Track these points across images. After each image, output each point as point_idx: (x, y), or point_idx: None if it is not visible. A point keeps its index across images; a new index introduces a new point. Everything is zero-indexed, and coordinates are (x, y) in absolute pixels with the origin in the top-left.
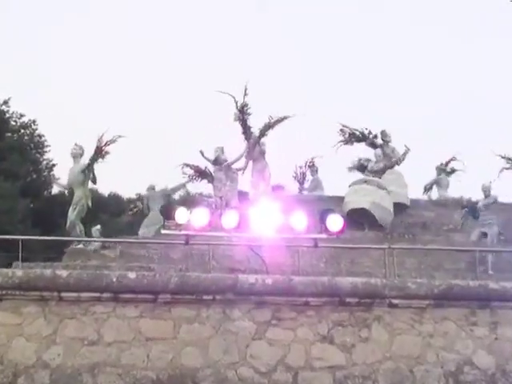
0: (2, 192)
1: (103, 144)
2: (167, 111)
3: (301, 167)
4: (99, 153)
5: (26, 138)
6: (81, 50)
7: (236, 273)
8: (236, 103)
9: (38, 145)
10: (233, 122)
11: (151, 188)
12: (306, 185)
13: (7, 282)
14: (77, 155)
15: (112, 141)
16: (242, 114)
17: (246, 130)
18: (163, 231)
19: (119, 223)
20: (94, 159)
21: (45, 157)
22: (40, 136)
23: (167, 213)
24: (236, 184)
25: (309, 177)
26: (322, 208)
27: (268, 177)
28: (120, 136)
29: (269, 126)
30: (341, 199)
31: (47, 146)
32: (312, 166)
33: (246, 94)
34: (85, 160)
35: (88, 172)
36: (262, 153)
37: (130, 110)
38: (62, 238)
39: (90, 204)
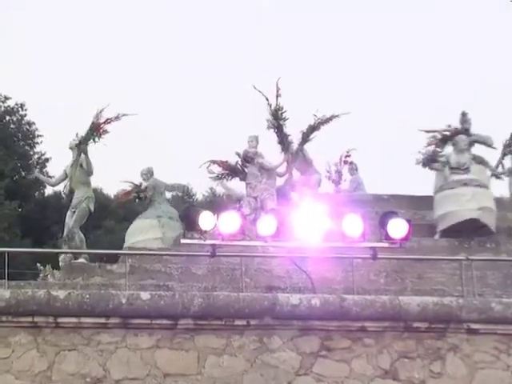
0: None
1: (102, 121)
2: (189, 104)
3: (336, 164)
4: (95, 130)
5: (12, 126)
6: (81, 18)
7: (275, 292)
8: (270, 107)
9: (28, 135)
10: (266, 130)
11: (150, 173)
12: (344, 185)
13: None
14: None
15: (115, 118)
16: (277, 120)
17: (283, 140)
18: (183, 240)
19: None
20: (87, 138)
21: (36, 150)
22: (30, 124)
23: (188, 218)
24: (274, 181)
25: (346, 176)
26: (382, 210)
27: (315, 184)
28: (125, 114)
29: (313, 128)
30: (404, 199)
31: (39, 136)
32: (350, 164)
33: (278, 96)
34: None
35: (78, 156)
36: (309, 162)
37: (142, 98)
38: (58, 250)
39: (92, 208)
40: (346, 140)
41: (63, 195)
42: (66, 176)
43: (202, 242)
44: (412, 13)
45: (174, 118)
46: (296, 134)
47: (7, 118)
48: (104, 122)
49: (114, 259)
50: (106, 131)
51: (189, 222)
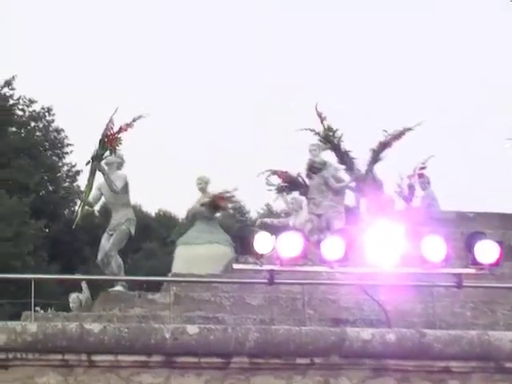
0: (5, 212)
1: (113, 131)
2: (234, 113)
3: (409, 177)
4: (107, 143)
5: (37, 134)
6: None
7: (343, 325)
8: (318, 134)
9: (56, 143)
10: (323, 151)
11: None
12: (416, 202)
13: (15, 340)
14: (113, 163)
15: (127, 126)
16: (331, 141)
17: (344, 158)
18: (236, 266)
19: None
20: (99, 154)
21: (65, 161)
22: (58, 131)
23: (241, 239)
24: (342, 198)
25: (418, 191)
26: (468, 230)
27: (388, 202)
28: (141, 116)
29: (385, 145)
30: (493, 218)
31: (68, 145)
32: (422, 177)
33: (323, 120)
34: (118, 167)
35: (92, 176)
36: (379, 184)
37: (180, 104)
38: (92, 276)
39: (133, 231)
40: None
41: (96, 213)
42: (101, 194)
43: (257, 267)
44: (412, 13)
45: (205, 127)
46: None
47: (32, 124)
48: (116, 132)
49: (155, 287)
50: (119, 140)
51: (242, 245)
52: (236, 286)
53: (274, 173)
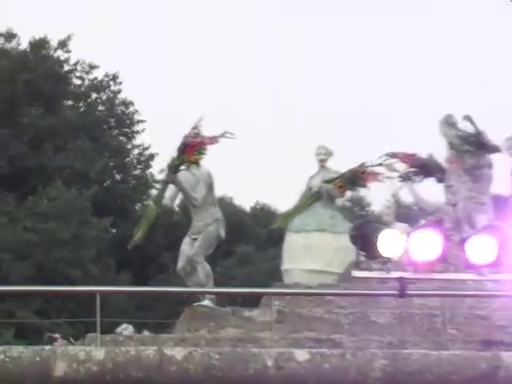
0: (62, 208)
1: (196, 141)
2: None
3: None
4: (186, 154)
5: (100, 108)
6: None
7: (496, 349)
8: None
9: (123, 120)
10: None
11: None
12: None
13: (77, 370)
14: None
15: (215, 139)
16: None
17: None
18: (356, 273)
19: (275, 256)
20: (175, 165)
21: (135, 142)
22: (126, 104)
23: (363, 239)
24: (486, 185)
25: None
26: None
27: None
28: (230, 134)
29: None
30: None
31: (139, 122)
32: None
33: None
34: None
35: (164, 186)
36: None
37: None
38: (172, 288)
39: (223, 233)
40: None
41: (176, 210)
42: (178, 191)
43: (383, 274)
44: (411, 13)
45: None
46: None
47: (93, 95)
48: (198, 143)
49: (253, 301)
50: (202, 151)
51: (363, 246)
52: (356, 299)
53: (395, 156)
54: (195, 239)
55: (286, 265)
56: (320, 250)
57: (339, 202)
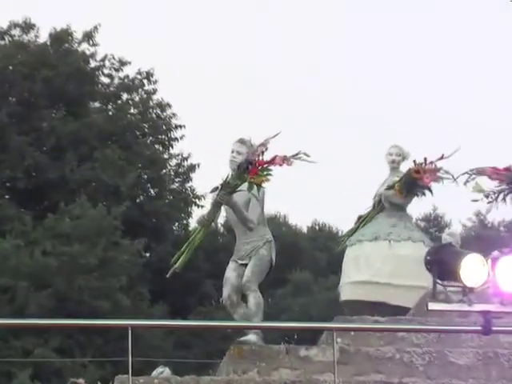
0: (88, 228)
1: (263, 160)
2: None
3: None
4: (250, 174)
5: (132, 111)
6: None
7: None
8: None
9: (160, 126)
10: None
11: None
12: None
13: None
14: None
15: (288, 161)
16: None
17: None
18: (431, 305)
19: (336, 284)
20: (233, 186)
21: (173, 151)
22: (163, 106)
23: (439, 264)
24: None
25: None
26: None
27: None
28: (306, 155)
29: None
30: None
31: (178, 127)
32: None
33: None
34: None
35: (216, 210)
36: None
37: None
38: (213, 322)
39: (274, 257)
40: None
41: (220, 231)
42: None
43: (465, 307)
44: (410, 13)
45: None
46: None
47: (124, 96)
48: (267, 162)
49: (311, 338)
50: (267, 173)
51: (442, 273)
52: (433, 336)
53: (481, 172)
54: (242, 265)
55: (340, 284)
56: (368, 259)
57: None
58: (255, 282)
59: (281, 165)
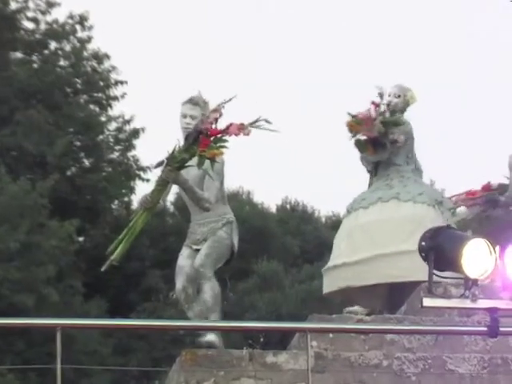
0: (8, 205)
1: (218, 129)
2: None
3: None
4: (200, 146)
5: (62, 63)
6: None
7: None
8: None
9: (96, 81)
10: None
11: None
12: None
13: None
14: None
15: (245, 129)
16: None
17: None
18: (427, 301)
19: (310, 276)
20: (181, 160)
21: (113, 112)
22: (100, 58)
23: (436, 250)
24: None
25: None
26: None
27: None
28: (267, 122)
29: None
30: None
31: (119, 83)
32: None
33: None
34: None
35: (161, 188)
36: None
37: None
38: (161, 322)
39: (236, 242)
40: None
41: (170, 210)
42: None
43: (468, 303)
44: (410, 13)
45: None
46: None
47: (52, 45)
48: (221, 131)
49: (280, 341)
50: (223, 145)
51: (439, 263)
52: (428, 338)
53: (460, 202)
54: (198, 251)
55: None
56: (364, 229)
57: None
58: (210, 267)
59: (237, 134)
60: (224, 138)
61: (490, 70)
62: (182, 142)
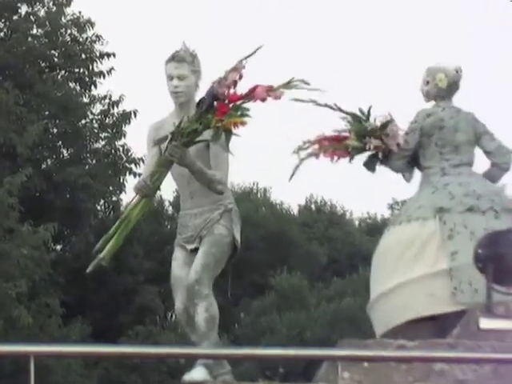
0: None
1: (236, 94)
2: None
3: None
4: (216, 115)
5: (36, 32)
6: None
7: None
8: None
9: (76, 54)
10: None
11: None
12: None
13: None
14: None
15: (276, 92)
16: None
17: None
18: (484, 322)
19: (340, 292)
20: (191, 133)
21: (98, 91)
22: (81, 26)
23: (493, 262)
24: None
25: None
26: None
27: None
28: (304, 82)
29: None
30: None
31: (104, 56)
32: None
33: None
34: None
35: (162, 170)
36: None
37: None
38: (156, 349)
39: (238, 237)
40: None
41: (168, 212)
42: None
43: None
44: (409, 13)
45: None
46: None
47: (23, 9)
48: (243, 96)
49: (304, 371)
50: (245, 113)
51: (500, 276)
52: (487, 369)
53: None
54: (193, 250)
55: (373, 292)
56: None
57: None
58: (208, 282)
59: (264, 99)
60: (245, 104)
61: (490, 70)
62: (175, 111)
